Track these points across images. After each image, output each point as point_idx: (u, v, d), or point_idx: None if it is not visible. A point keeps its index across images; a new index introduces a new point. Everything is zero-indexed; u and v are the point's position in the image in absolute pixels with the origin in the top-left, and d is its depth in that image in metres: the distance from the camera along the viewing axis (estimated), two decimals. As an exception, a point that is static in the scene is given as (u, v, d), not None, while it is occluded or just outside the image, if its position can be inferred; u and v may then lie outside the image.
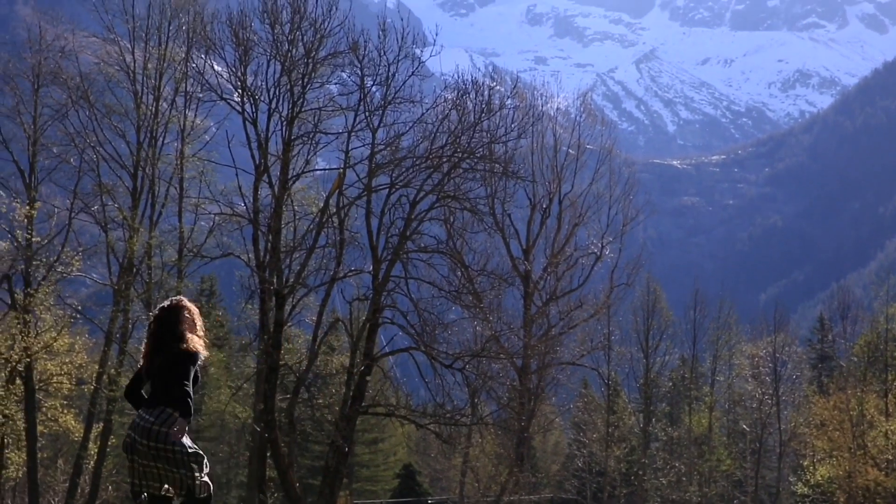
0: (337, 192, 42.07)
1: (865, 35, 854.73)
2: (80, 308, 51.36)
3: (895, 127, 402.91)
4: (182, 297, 12.98)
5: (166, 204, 53.14)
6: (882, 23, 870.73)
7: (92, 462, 53.27)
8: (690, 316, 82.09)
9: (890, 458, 65.65)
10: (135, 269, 50.66)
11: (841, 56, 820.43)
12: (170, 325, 12.54)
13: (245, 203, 43.57)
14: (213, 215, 48.84)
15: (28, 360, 45.56)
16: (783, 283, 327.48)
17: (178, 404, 12.17)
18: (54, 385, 47.37)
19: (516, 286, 55.97)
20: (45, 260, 47.87)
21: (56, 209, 49.93)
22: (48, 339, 45.79)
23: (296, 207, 44.17)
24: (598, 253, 60.71)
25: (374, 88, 42.77)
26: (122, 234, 51.05)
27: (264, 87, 41.76)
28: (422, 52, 44.43)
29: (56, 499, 64.44)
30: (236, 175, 43.44)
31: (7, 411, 46.18)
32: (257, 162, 42.12)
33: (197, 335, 12.66)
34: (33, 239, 47.02)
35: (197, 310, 12.94)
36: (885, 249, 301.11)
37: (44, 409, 48.02)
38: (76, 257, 47.96)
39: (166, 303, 12.80)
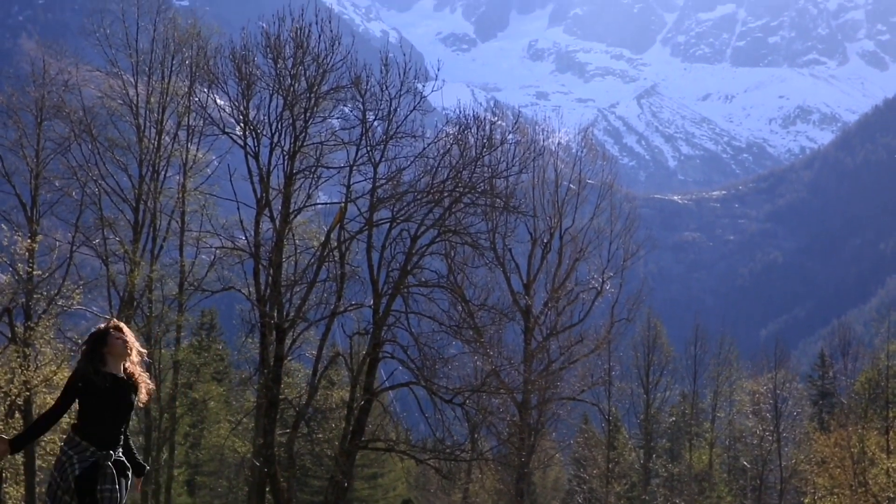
0: (338, 226, 42.13)
1: (866, 72, 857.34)
2: (80, 341, 51.27)
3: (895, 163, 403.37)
4: (115, 321, 13.43)
5: (167, 237, 53.26)
6: (882, 60, 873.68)
7: (90, 496, 53.00)
8: (691, 351, 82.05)
9: (891, 495, 65.38)
10: (135, 303, 50.69)
11: (841, 93, 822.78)
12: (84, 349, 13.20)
13: (246, 237, 43.63)
14: (214, 249, 48.93)
15: (27, 393, 45.47)
16: (784, 319, 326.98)
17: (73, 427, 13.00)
18: (54, 419, 47.18)
19: (517, 321, 55.89)
20: (45, 293, 47.88)
21: (57, 242, 50.00)
22: (48, 373, 45.72)
23: (297, 241, 44.23)
24: (599, 288, 60.63)
25: (375, 123, 42.92)
26: (122, 268, 51.14)
27: (266, 121, 41.90)
28: (423, 86, 44.60)
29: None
30: (238, 209, 43.52)
31: (6, 445, 45.98)
32: (259, 196, 42.20)
33: (130, 360, 13.20)
34: (34, 272, 47.04)
35: (131, 333, 13.33)
36: (885, 286, 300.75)
37: (42, 444, 47.86)
38: (77, 291, 47.98)
39: (95, 327, 13.30)
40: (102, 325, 13.29)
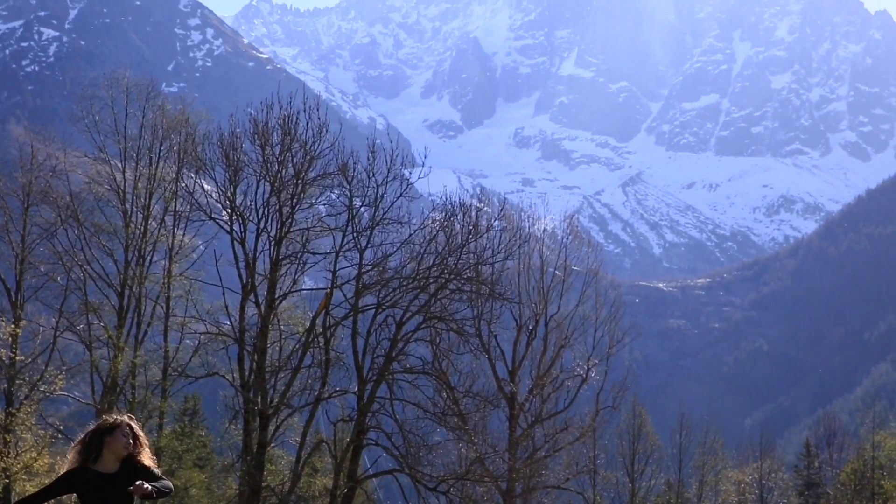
0: (323, 311, 42.11)
1: (848, 163, 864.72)
2: (61, 428, 50.97)
3: (879, 253, 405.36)
4: (129, 417, 13.48)
5: (152, 323, 53.07)
6: (865, 151, 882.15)
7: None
8: (676, 440, 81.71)
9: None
10: (118, 389, 50.38)
11: (824, 182, 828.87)
12: None
13: (231, 322, 43.56)
14: (198, 334, 48.77)
15: (7, 481, 44.99)
16: (769, 408, 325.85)
17: None
18: (33, 505, 46.65)
19: (502, 408, 55.66)
20: (28, 379, 47.60)
21: (41, 327, 49.83)
22: (28, 460, 45.28)
23: (282, 327, 44.15)
24: (584, 375, 60.47)
25: (362, 209, 43.13)
26: (106, 353, 50.90)
27: (253, 206, 42.07)
28: (410, 173, 44.90)
29: None
30: (223, 294, 43.50)
31: (-16, 532, 45.44)
32: (244, 281, 42.21)
33: (141, 453, 13.35)
34: (17, 357, 46.80)
35: (142, 433, 13.46)
36: (870, 375, 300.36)
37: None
38: (59, 376, 47.74)
39: (108, 418, 13.25)
40: (115, 418, 13.36)
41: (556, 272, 61.25)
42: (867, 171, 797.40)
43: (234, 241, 42.29)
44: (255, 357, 41.95)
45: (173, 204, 52.90)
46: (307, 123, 41.69)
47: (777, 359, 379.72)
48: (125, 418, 13.40)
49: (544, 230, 65.98)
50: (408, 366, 43.40)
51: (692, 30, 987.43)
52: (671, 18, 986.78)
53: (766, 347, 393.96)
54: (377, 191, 42.37)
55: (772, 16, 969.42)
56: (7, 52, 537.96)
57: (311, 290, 47.08)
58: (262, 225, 42.04)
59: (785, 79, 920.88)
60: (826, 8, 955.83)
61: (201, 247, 54.67)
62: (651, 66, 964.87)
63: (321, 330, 42.23)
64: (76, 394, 53.46)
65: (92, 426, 13.39)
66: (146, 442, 13.47)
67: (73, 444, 13.34)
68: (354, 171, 42.32)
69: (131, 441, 13.18)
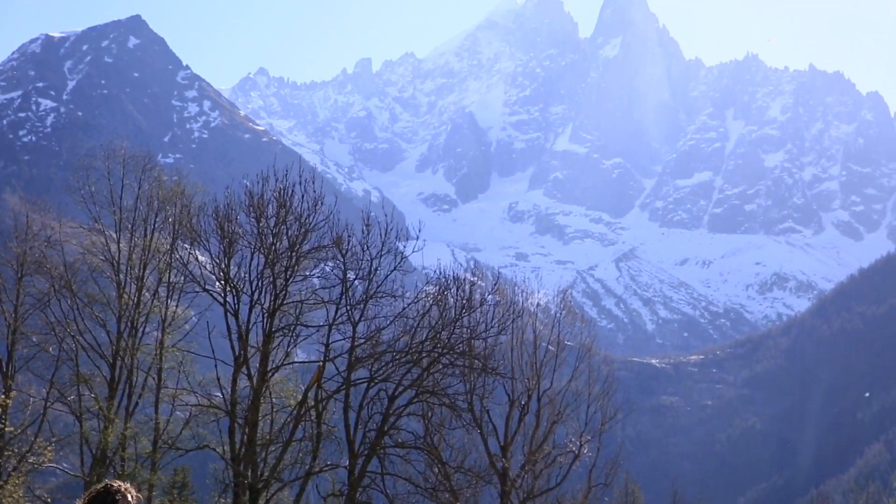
0: (315, 384, 41.98)
1: (841, 242, 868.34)
2: (49, 500, 50.52)
3: (872, 332, 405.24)
4: (137, 488, 13.40)
5: (143, 394, 52.88)
6: (857, 230, 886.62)
7: None
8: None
9: None
10: (108, 461, 50.03)
11: (817, 261, 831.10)
12: None
13: (223, 394, 43.39)
14: (189, 406, 48.58)
15: (-7, 552, 44.52)
16: (762, 488, 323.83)
17: None
18: (19, 578, 46.16)
19: (493, 484, 55.29)
20: (16, 450, 47.28)
21: (32, 398, 49.63)
22: (15, 531, 44.82)
23: (274, 399, 43.99)
24: (577, 451, 60.17)
25: (356, 282, 43.16)
26: (96, 425, 50.63)
27: (247, 278, 42.10)
28: (404, 246, 45.04)
29: None
30: (215, 366, 43.40)
31: None
32: (237, 353, 42.11)
33: None
34: (6, 429, 46.52)
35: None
36: (864, 456, 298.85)
37: None
38: (49, 447, 47.43)
39: (116, 485, 13.17)
40: (118, 485, 13.27)
41: (550, 347, 61.13)
42: (859, 250, 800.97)
43: (228, 313, 42.26)
44: (246, 430, 41.74)
45: (167, 275, 52.94)
46: (302, 196, 41.88)
47: (770, 437, 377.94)
48: (130, 490, 13.32)
49: (538, 305, 66.00)
50: (399, 440, 43.22)
51: (686, 108, 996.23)
52: (665, 96, 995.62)
53: (759, 425, 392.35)
54: (371, 264, 42.47)
55: (764, 95, 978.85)
56: (4, 122, 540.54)
57: (304, 362, 46.98)
58: (255, 297, 42.04)
59: (778, 157, 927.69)
60: (818, 88, 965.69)
61: (194, 318, 54.62)
62: (645, 143, 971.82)
63: (313, 403, 42.08)
64: (65, 465, 53.06)
65: (96, 489, 13.25)
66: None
67: None
68: (349, 243, 42.44)
69: None
